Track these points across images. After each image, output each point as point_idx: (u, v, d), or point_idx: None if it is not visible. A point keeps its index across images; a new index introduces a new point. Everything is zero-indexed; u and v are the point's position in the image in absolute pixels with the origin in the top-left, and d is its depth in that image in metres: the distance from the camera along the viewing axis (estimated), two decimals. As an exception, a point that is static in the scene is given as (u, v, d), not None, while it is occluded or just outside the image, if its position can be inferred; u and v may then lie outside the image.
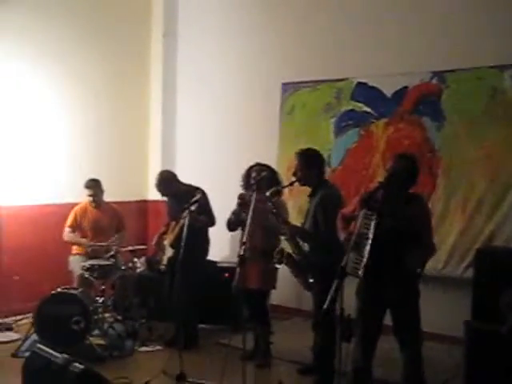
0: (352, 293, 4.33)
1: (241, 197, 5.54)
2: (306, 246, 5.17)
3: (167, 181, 6.34)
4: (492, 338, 4.87)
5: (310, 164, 5.16)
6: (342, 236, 4.46)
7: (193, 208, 5.48)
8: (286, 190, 5.72)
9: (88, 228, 6.90)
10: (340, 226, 4.53)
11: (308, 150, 5.30)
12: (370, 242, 4.10)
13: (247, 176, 5.70)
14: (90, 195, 6.89)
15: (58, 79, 7.63)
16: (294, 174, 5.17)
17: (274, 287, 5.82)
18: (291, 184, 5.21)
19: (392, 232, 4.15)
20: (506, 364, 4.54)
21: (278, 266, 5.23)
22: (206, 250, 6.40)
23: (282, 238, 5.43)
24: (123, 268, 6.62)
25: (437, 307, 5.90)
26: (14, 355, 5.81)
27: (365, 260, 4.10)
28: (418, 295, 4.41)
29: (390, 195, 4.29)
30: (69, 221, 6.90)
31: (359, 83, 7.02)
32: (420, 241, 4.25)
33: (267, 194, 5.10)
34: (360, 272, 4.12)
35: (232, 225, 5.79)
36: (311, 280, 5.03)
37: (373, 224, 4.12)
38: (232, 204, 5.69)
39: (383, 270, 4.20)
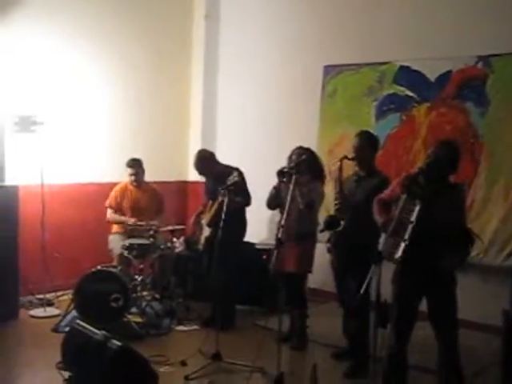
0: (389, 278, 4.31)
1: (280, 173, 5.49)
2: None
3: (204, 160, 6.37)
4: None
5: (371, 146, 5.28)
6: (378, 220, 4.43)
7: (228, 188, 5.49)
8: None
9: (128, 207, 6.96)
10: (376, 209, 4.49)
11: (369, 132, 5.47)
12: (411, 227, 4.07)
13: (289, 159, 5.69)
14: (131, 174, 6.95)
15: (98, 57, 7.67)
16: (355, 153, 5.19)
17: (310, 271, 5.82)
18: (351, 159, 5.20)
19: (432, 220, 4.10)
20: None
21: (326, 230, 5.27)
22: (243, 231, 6.42)
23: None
24: (162, 247, 6.68)
25: (476, 295, 5.84)
26: (55, 330, 5.94)
27: (403, 245, 4.07)
28: (455, 283, 4.37)
29: (431, 181, 4.24)
30: (109, 201, 7.00)
31: (402, 67, 6.93)
32: (460, 231, 4.21)
33: None
34: (397, 256, 4.10)
35: (271, 199, 5.76)
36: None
37: (416, 210, 4.08)
38: (271, 185, 5.71)
39: (421, 257, 4.15)
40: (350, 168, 5.35)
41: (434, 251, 4.15)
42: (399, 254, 4.10)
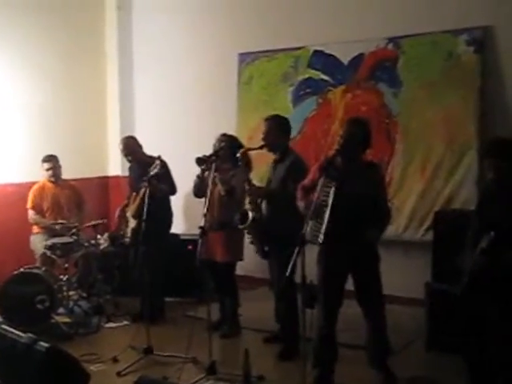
0: (313, 260, 4.38)
1: (198, 160, 5.45)
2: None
3: (132, 145, 6.36)
4: (452, 298, 4.98)
5: (280, 129, 5.24)
6: (301, 205, 4.49)
7: (153, 177, 5.45)
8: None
9: (48, 206, 6.83)
10: (300, 195, 4.55)
11: (278, 115, 5.39)
12: (329, 209, 4.14)
13: (213, 146, 5.66)
14: (48, 169, 6.83)
15: (10, 54, 7.46)
16: (264, 139, 5.19)
17: (240, 258, 5.83)
18: (261, 148, 5.21)
19: (350, 198, 4.18)
20: (464, 323, 4.65)
21: (240, 226, 5.26)
22: (169, 222, 6.39)
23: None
24: (86, 245, 6.59)
25: (398, 270, 6.00)
26: (-22, 337, 5.77)
27: (324, 227, 4.14)
28: (378, 260, 4.49)
29: (347, 161, 4.33)
30: (29, 202, 6.85)
31: (316, 51, 7.03)
32: (377, 207, 4.32)
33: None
34: (319, 239, 4.16)
35: (196, 188, 5.72)
36: (266, 248, 5.14)
37: (332, 191, 4.15)
38: (191, 174, 5.69)
39: (343, 236, 4.23)
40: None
41: (354, 229, 4.23)
42: (321, 236, 4.16)
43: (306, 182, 4.57)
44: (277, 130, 5.21)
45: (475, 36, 6.08)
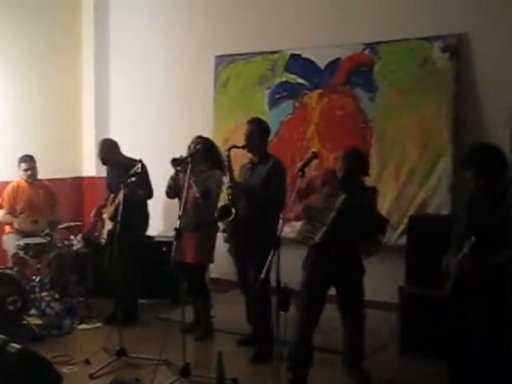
0: (289, 264, 4.39)
1: (173, 161, 5.45)
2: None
3: (110, 149, 6.30)
4: (424, 302, 5.04)
5: (261, 132, 5.34)
6: (297, 207, 4.54)
7: (131, 180, 5.43)
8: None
9: (21, 207, 6.77)
10: (294, 198, 4.55)
11: (259, 119, 5.51)
12: (333, 214, 4.28)
13: (188, 148, 5.67)
14: (26, 169, 6.79)
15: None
16: (247, 141, 5.26)
17: (211, 261, 5.84)
18: (243, 147, 5.27)
19: (353, 211, 4.28)
20: (437, 327, 4.69)
21: (220, 221, 5.29)
22: (145, 224, 6.38)
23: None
24: (59, 246, 6.55)
25: (372, 274, 5.99)
26: (-52, 339, 5.69)
27: (324, 229, 4.28)
28: (363, 273, 4.59)
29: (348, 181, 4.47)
30: (2, 202, 6.79)
31: (293, 55, 7.06)
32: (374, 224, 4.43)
33: None
34: (317, 238, 4.30)
35: (169, 189, 5.74)
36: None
37: (341, 198, 4.29)
38: (166, 176, 5.70)
39: (333, 246, 4.33)
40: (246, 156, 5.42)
41: (347, 241, 4.35)
42: (319, 236, 4.30)
43: (303, 185, 4.58)
44: (258, 132, 5.30)
45: (450, 43, 6.16)
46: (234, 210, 5.09)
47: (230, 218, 5.11)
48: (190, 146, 5.65)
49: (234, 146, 5.28)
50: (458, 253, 4.03)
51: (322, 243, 4.31)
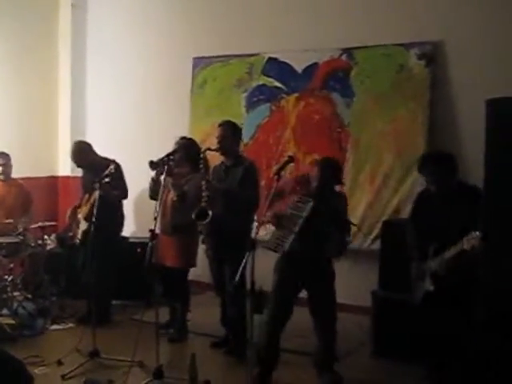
0: (262, 266, 4.41)
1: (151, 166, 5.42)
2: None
3: (82, 151, 6.25)
4: (397, 306, 5.10)
5: (234, 135, 5.36)
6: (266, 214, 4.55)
7: (106, 180, 5.40)
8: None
9: (-6, 205, 6.70)
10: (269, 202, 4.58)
11: (232, 121, 5.49)
12: (302, 221, 4.33)
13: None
14: None
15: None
16: (219, 143, 5.27)
17: (193, 265, 5.80)
18: (217, 150, 5.28)
19: (316, 217, 4.32)
20: (409, 331, 4.75)
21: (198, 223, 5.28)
22: (120, 225, 6.36)
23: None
24: (32, 245, 6.49)
25: (346, 278, 6.04)
26: None
27: (293, 236, 4.32)
28: (333, 276, 4.61)
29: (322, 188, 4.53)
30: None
31: (270, 58, 7.09)
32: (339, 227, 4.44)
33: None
34: (285, 246, 4.34)
35: (151, 191, 5.66)
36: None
37: (309, 206, 4.34)
38: (142, 177, 5.69)
39: (305, 249, 4.37)
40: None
41: (316, 244, 4.38)
42: (288, 243, 4.34)
43: (277, 188, 4.60)
44: (230, 135, 5.32)
45: (426, 50, 6.23)
46: (210, 212, 5.10)
47: (207, 220, 5.11)
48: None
49: (209, 149, 5.29)
50: (421, 258, 4.29)
51: (293, 247, 4.35)
